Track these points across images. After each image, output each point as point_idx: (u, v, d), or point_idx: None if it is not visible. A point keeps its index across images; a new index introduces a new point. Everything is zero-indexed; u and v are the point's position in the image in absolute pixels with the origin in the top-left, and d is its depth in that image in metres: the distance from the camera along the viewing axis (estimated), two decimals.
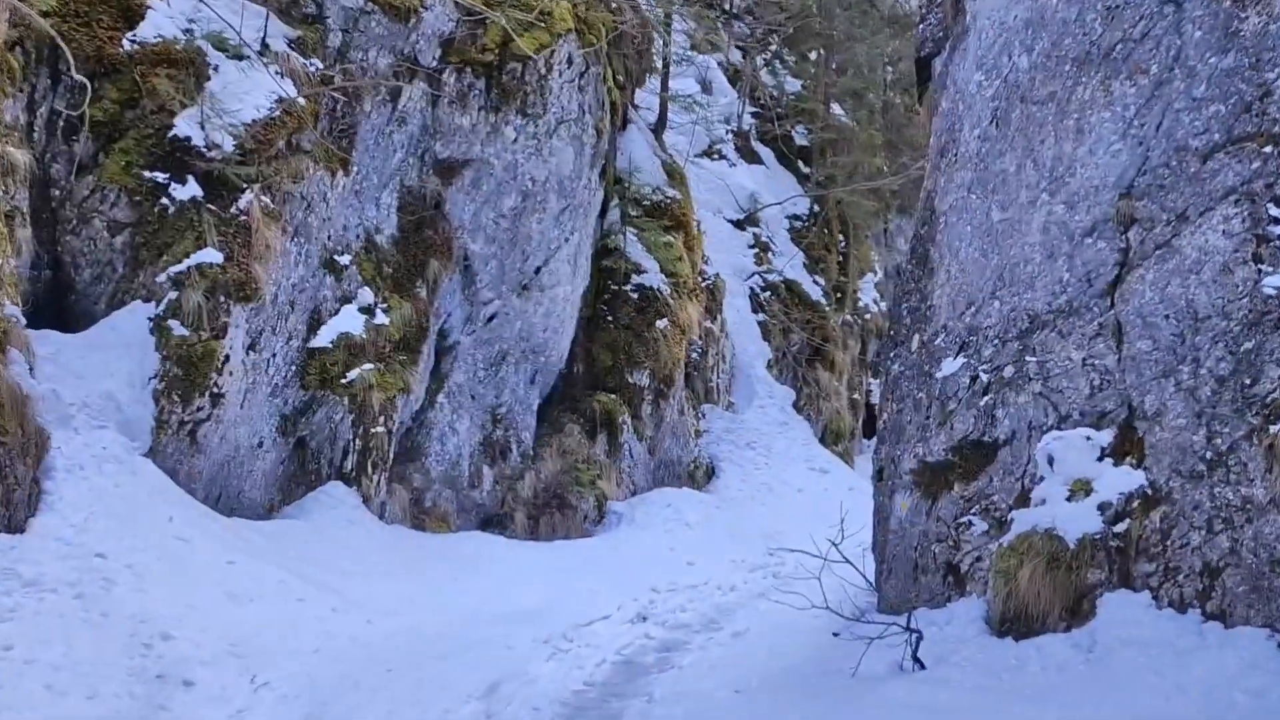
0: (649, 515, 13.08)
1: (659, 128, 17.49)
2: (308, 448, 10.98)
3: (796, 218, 20.31)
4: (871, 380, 32.67)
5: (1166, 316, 7.29)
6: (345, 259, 11.31)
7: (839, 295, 20.57)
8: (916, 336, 9.24)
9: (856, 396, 22.03)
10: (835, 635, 8.83)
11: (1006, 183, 8.61)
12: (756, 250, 19.19)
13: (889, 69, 22.16)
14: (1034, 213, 8.36)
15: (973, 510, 8.28)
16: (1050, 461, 7.82)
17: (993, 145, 8.82)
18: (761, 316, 18.53)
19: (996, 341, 8.39)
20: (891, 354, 9.58)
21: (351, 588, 9.06)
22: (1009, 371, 8.26)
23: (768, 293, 18.81)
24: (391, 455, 11.54)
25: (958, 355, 8.68)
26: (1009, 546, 7.69)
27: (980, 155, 8.93)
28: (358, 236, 11.54)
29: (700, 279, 16.00)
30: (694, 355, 16.32)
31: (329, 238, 11.17)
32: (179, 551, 8.23)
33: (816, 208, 20.72)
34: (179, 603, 7.58)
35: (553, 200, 12.96)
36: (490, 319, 12.93)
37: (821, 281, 19.85)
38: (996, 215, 8.66)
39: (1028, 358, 8.13)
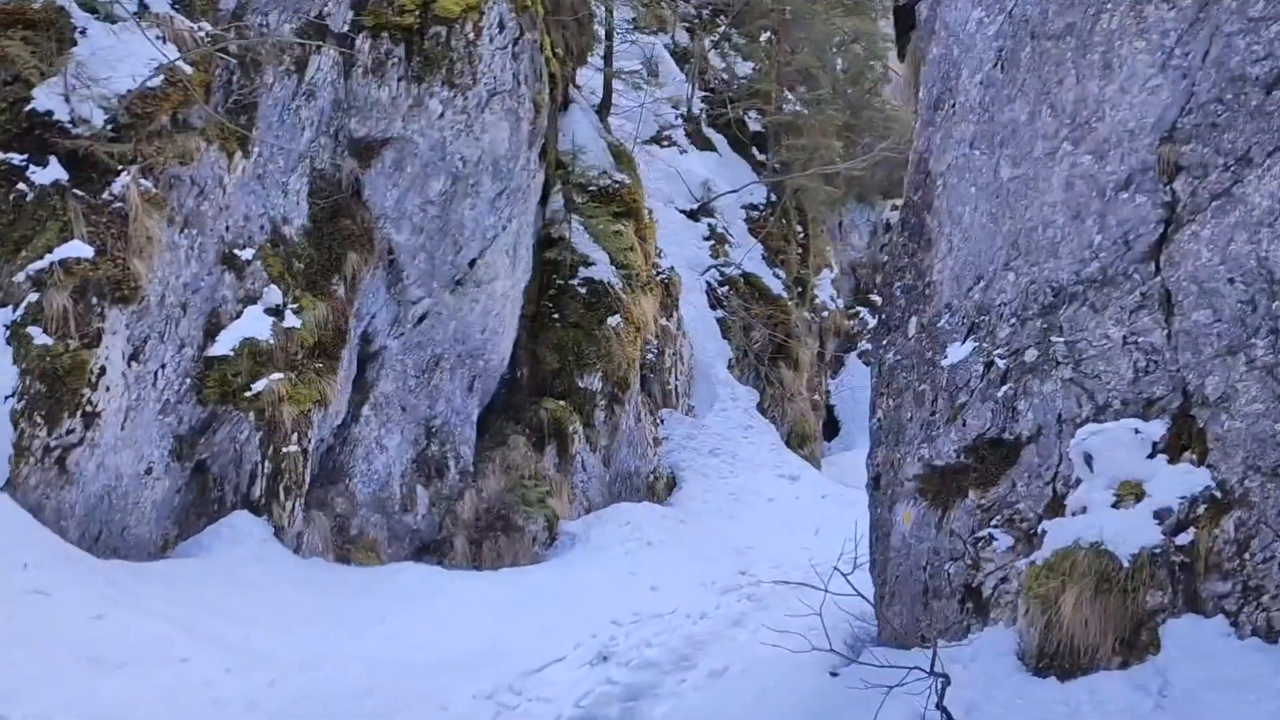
0: (606, 535, 11.66)
1: (603, 109, 16.12)
2: (208, 473, 9.44)
3: (753, 207, 19.02)
4: (830, 380, 31.42)
5: (1231, 280, 6.00)
6: (248, 253, 9.79)
7: (800, 289, 19.30)
8: (914, 320, 7.92)
9: (817, 397, 20.81)
10: (834, 675, 7.49)
11: (1018, 134, 7.32)
12: (712, 242, 17.86)
13: (844, 48, 20.95)
14: (1053, 166, 7.07)
15: (994, 522, 6.97)
16: (1089, 461, 6.51)
17: (999, 92, 7.52)
18: (720, 313, 17.20)
19: (1014, 320, 7.09)
20: (884, 342, 8.24)
21: (255, 639, 7.55)
22: (1031, 355, 6.96)
23: (726, 287, 17.49)
24: (308, 478, 10.02)
25: (966, 339, 7.38)
26: (1045, 565, 6.36)
27: (984, 104, 7.63)
28: (262, 228, 10.02)
29: (654, 272, 14.62)
30: (650, 356, 14.94)
31: (227, 229, 9.65)
32: (33, 608, 6.69)
33: (774, 196, 19.44)
34: (25, 674, 6.05)
35: (487, 183, 11.50)
36: (420, 319, 11.46)
37: (782, 274, 18.57)
38: (1007, 172, 7.36)
39: (1053, 338, 6.84)
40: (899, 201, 37.77)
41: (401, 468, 11.19)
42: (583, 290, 13.11)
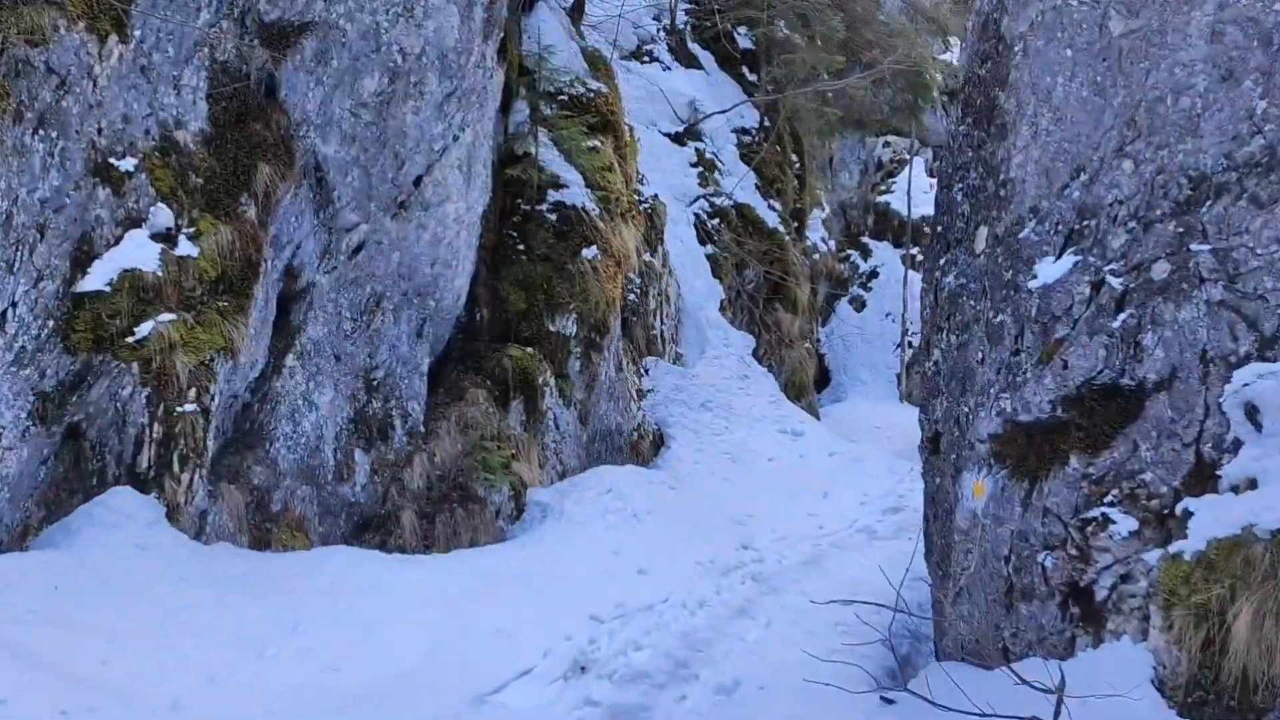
0: (583, 506, 9.80)
1: (575, 14, 14.06)
2: (84, 440, 7.51)
3: (744, 131, 17.02)
4: (820, 327, 29.45)
5: None
6: (128, 163, 7.78)
7: (796, 223, 17.36)
8: (984, 231, 6.03)
9: (809, 345, 19.00)
10: (887, 701, 5.69)
11: None
12: (700, 169, 15.88)
13: None
14: (1191, 11, 5.16)
15: (1108, 498, 5.15)
16: (1253, 415, 4.69)
17: None
18: (710, 248, 15.26)
19: (1132, 225, 5.23)
20: (941, 261, 6.36)
21: (116, 666, 5.67)
22: (1160, 271, 5.10)
23: (716, 220, 15.53)
24: (212, 443, 8.11)
25: (1063, 252, 5.51)
26: (1199, 563, 4.54)
27: None
28: (148, 132, 8.01)
29: (636, 199, 12.65)
30: (631, 296, 13.03)
31: (100, 132, 7.64)
32: None
33: (767, 121, 17.44)
34: None
35: (433, 81, 9.48)
36: (356, 250, 9.49)
37: (778, 206, 16.63)
38: (1119, 25, 5.45)
39: (1194, 246, 4.98)
40: (892, 138, 35.40)
41: (335, 429, 9.26)
42: (553, 217, 11.14)
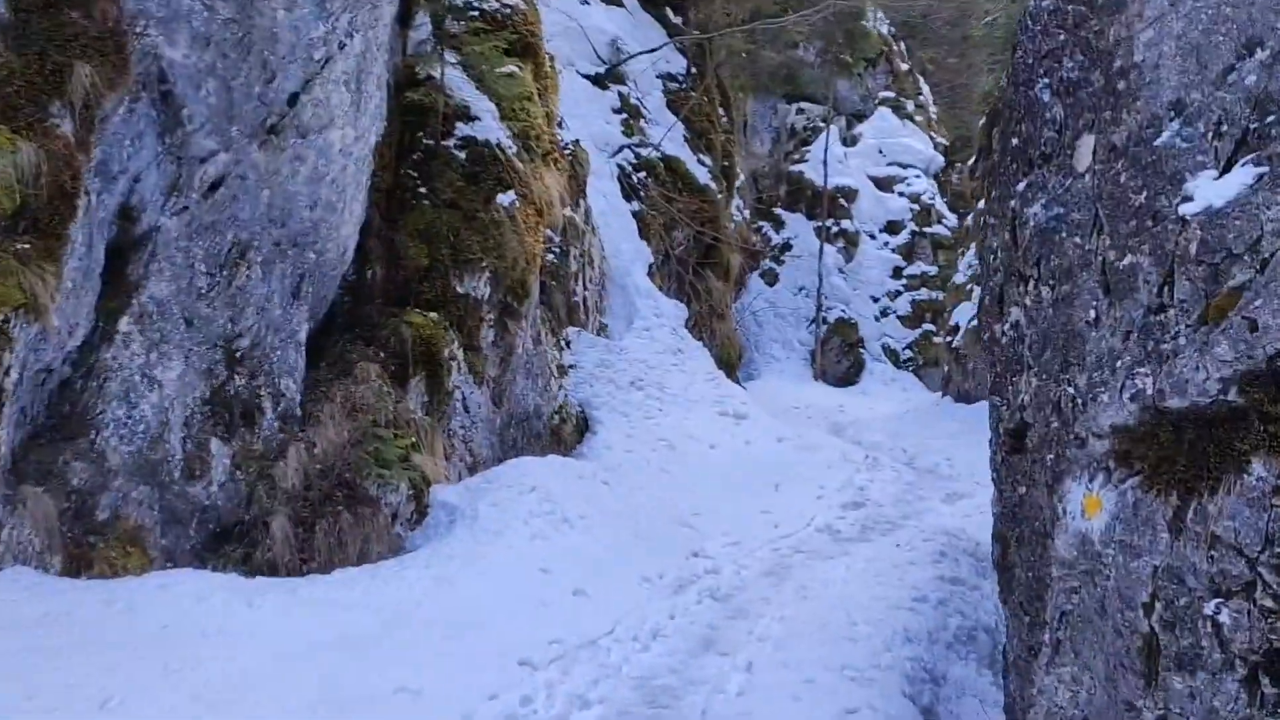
0: (502, 508, 7.92)
1: None
2: None
3: (671, 78, 15.22)
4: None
5: None
6: None
7: (727, 182, 15.63)
8: (1091, 140, 4.35)
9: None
10: None
11: None
12: (625, 117, 14.04)
13: None
14: None
15: None
16: None
17: None
18: (636, 205, 13.44)
19: None
20: (1020, 187, 4.65)
21: None
22: None
23: (642, 173, 13.72)
24: (11, 433, 6.05)
25: (1233, 163, 3.81)
26: None
27: None
28: None
29: (558, 141, 10.76)
30: (551, 257, 11.16)
31: None
32: None
33: (694, 69, 15.66)
34: None
35: None
36: (214, 186, 7.43)
37: (708, 161, 14.86)
38: None
39: None
40: (806, 104, 33.79)
41: (185, 412, 7.23)
42: (462, 155, 9.19)
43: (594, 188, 12.69)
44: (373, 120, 8.34)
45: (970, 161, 23.55)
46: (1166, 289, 3.84)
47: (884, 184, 32.59)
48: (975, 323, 20.13)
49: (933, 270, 31.54)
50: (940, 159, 33.86)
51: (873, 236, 32.15)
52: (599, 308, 12.05)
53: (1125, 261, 3.98)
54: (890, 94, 34.58)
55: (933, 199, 32.61)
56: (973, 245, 22.00)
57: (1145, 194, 3.97)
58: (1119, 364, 3.94)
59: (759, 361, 28.66)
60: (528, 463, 8.73)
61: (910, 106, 34.97)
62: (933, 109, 36.53)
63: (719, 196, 14.22)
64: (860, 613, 6.68)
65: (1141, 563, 3.80)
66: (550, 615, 6.52)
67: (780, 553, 9.03)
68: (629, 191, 13.29)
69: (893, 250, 31.85)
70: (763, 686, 5.74)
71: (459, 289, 8.90)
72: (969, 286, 21.01)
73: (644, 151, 13.64)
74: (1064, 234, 4.28)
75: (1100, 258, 4.10)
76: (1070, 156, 4.34)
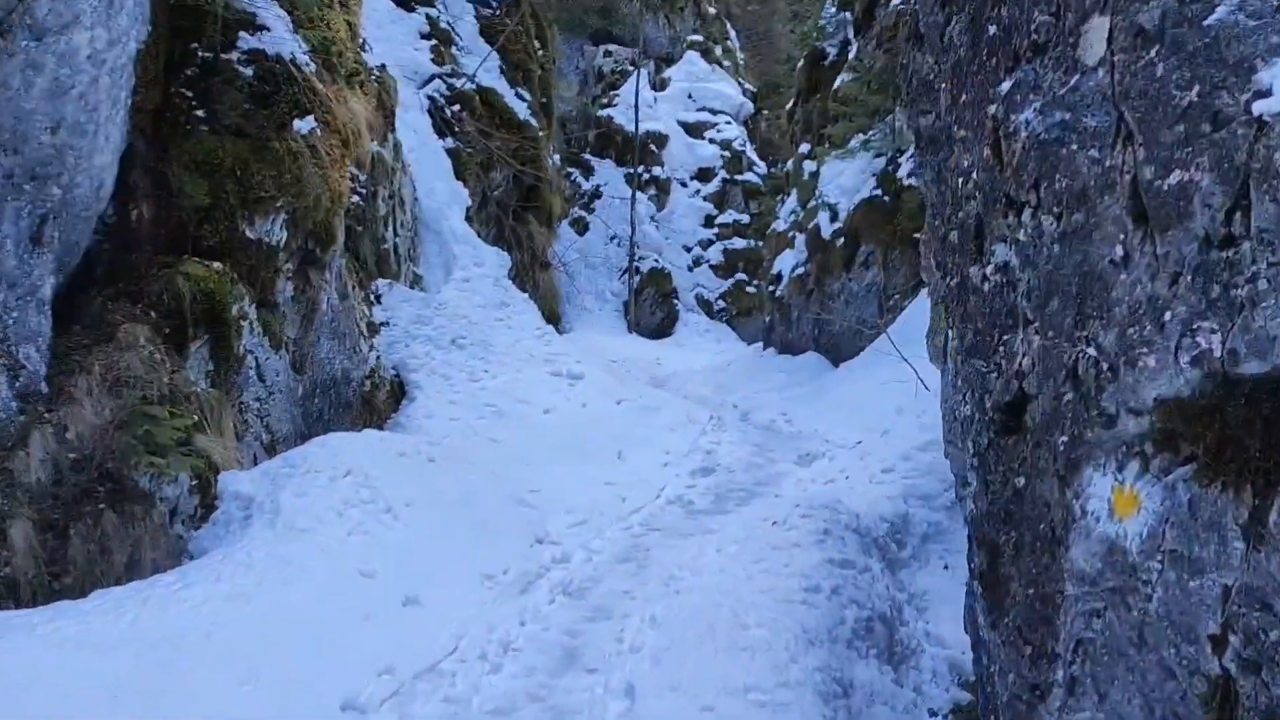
0: (310, 497, 6.53)
1: None
2: None
3: (484, 3, 13.76)
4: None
5: None
6: None
7: (547, 118, 14.36)
8: (1104, 23, 3.35)
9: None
10: None
11: None
12: (435, 43, 12.55)
13: None
14: None
15: None
16: None
17: None
18: (451, 142, 12.03)
19: None
20: (1003, 88, 3.62)
21: None
22: None
23: (456, 106, 12.29)
24: None
25: None
26: None
27: None
28: None
29: (364, 64, 9.25)
30: (357, 199, 9.69)
31: None
32: None
33: None
34: None
35: None
36: None
37: (527, 96, 13.53)
38: None
39: None
40: (614, 47, 32.60)
41: None
42: (248, 72, 7.61)
43: (403, 121, 11.21)
44: (131, 22, 6.69)
45: (789, 105, 22.89)
46: (1238, 215, 2.86)
47: (694, 130, 31.85)
48: (800, 270, 19.56)
49: (745, 218, 31.06)
50: (750, 105, 33.33)
51: (684, 184, 31.42)
52: (412, 256, 10.65)
53: (1172, 180, 2.99)
54: (699, 38, 33.79)
55: (743, 146, 32.07)
56: (794, 190, 21.41)
57: (1197, 90, 2.97)
58: (1168, 316, 2.96)
59: (571, 314, 27.56)
60: (339, 440, 7.34)
61: (719, 51, 34.27)
62: (740, 55, 35.95)
63: (540, 134, 12.93)
64: (749, 611, 5.67)
65: (1206, 581, 2.85)
66: (378, 634, 5.25)
67: (633, 532, 7.96)
68: (442, 126, 11.87)
69: (704, 198, 31.21)
70: (651, 719, 4.65)
71: (249, 233, 7.38)
72: (791, 234, 20.39)
73: (457, 83, 12.21)
74: (1073, 146, 3.27)
75: (1128, 176, 3.11)
76: (1074, 46, 3.33)
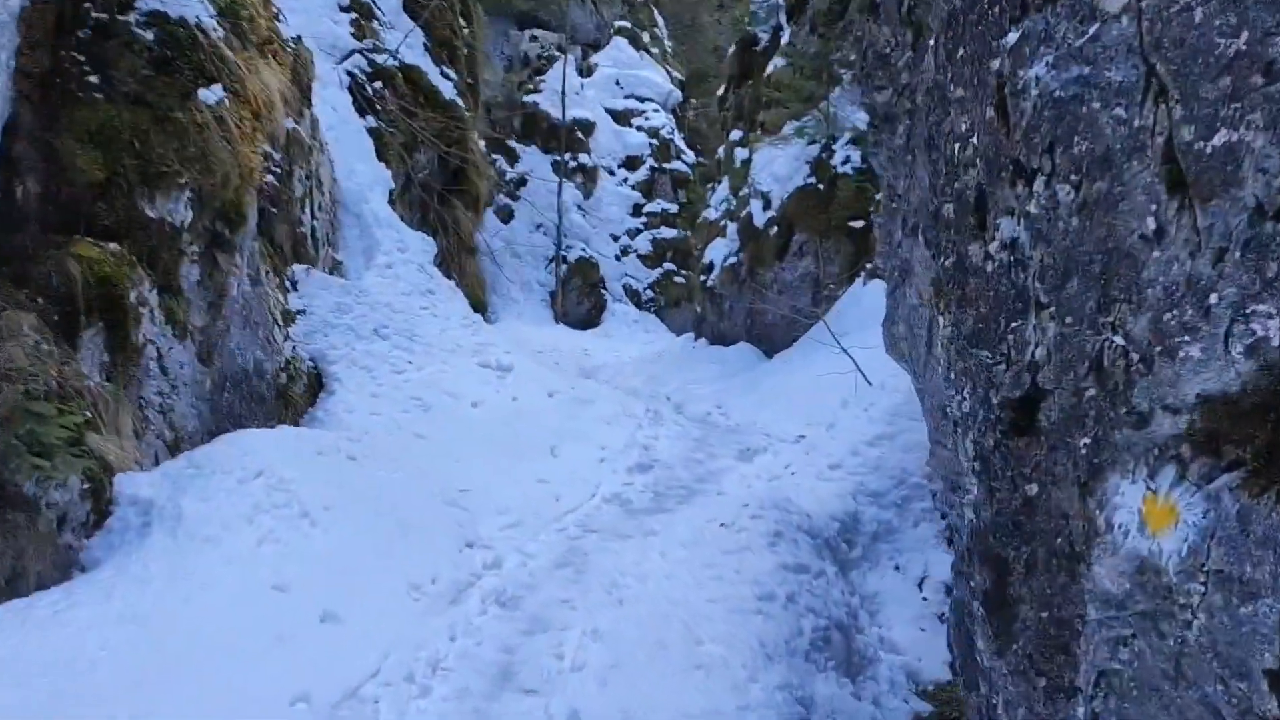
0: (217, 501, 5.94)
1: None
2: None
3: None
4: None
5: None
6: None
7: (474, 99, 13.79)
8: None
9: None
10: None
11: None
12: (355, 17, 11.90)
13: None
14: None
15: None
16: None
17: None
18: (372, 121, 11.41)
19: None
20: (1013, 37, 3.18)
21: None
22: None
23: (378, 83, 11.66)
24: None
25: None
26: None
27: None
28: None
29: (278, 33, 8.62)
30: (271, 178, 9.06)
31: None
32: None
33: None
34: None
35: None
36: None
37: (453, 76, 12.94)
38: None
39: None
40: (540, 31, 31.98)
41: None
42: (148, 35, 6.95)
43: (321, 98, 10.57)
44: None
45: (720, 91, 22.49)
46: None
47: (622, 118, 31.34)
48: (732, 260, 19.17)
49: (673, 207, 30.64)
50: (678, 93, 32.90)
51: (612, 172, 30.90)
52: (331, 241, 10.03)
53: (1216, 141, 2.59)
54: (626, 24, 33.27)
55: (671, 134, 31.63)
56: (726, 178, 21.01)
57: (1245, 37, 2.57)
58: (1214, 299, 2.56)
59: (497, 304, 26.90)
60: (251, 437, 6.75)
61: (646, 38, 33.79)
62: (667, 43, 35.50)
63: (467, 114, 12.35)
64: (701, 624, 5.24)
65: (1261, 607, 2.46)
66: (292, 656, 4.71)
67: (569, 534, 7.48)
68: (363, 105, 11.24)
69: (632, 187, 30.73)
70: None
71: (149, 212, 6.74)
72: (723, 222, 20.00)
73: (379, 59, 11.58)
74: (1094, 105, 2.86)
75: (1161, 137, 2.71)
76: None
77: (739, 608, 5.50)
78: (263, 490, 6.06)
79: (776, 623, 5.45)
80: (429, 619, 5.58)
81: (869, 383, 10.77)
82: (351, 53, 11.38)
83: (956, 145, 3.20)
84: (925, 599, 7.38)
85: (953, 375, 3.33)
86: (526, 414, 9.43)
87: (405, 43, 12.00)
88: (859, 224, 16.07)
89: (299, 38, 9.84)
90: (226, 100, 7.16)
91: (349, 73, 11.33)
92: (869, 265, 15.93)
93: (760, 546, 6.19)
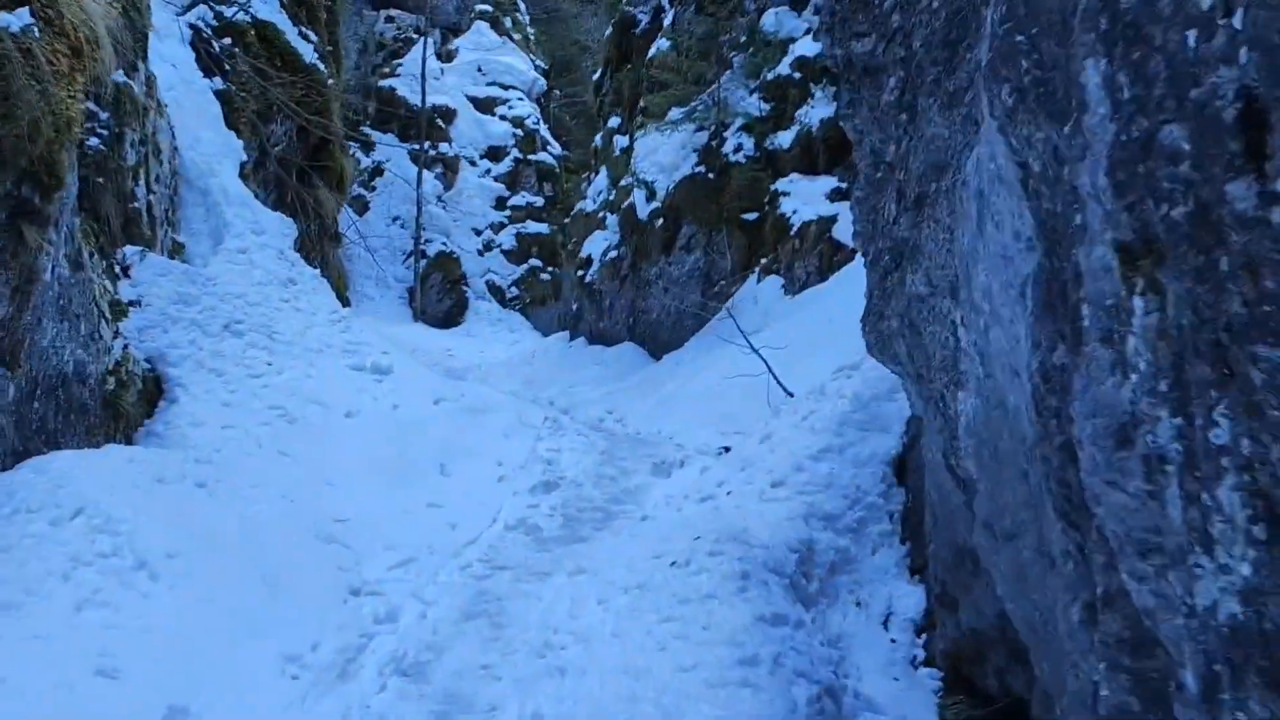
0: (19, 552, 4.41)
1: None
2: None
3: None
4: None
5: None
6: None
7: (336, 66, 12.25)
8: None
9: None
10: None
11: None
12: None
13: None
14: None
15: None
16: None
17: None
18: (220, 83, 9.81)
19: None
20: None
21: None
22: None
23: (227, 40, 10.06)
24: None
25: None
26: None
27: None
28: None
29: None
30: (97, 141, 7.46)
31: None
32: None
33: None
34: None
35: None
36: None
37: (314, 38, 11.39)
38: None
39: None
40: (396, 12, 30.20)
41: None
42: None
43: (159, 53, 8.94)
44: None
45: (595, 76, 21.27)
46: None
47: (485, 106, 29.75)
48: (613, 254, 17.95)
49: (539, 201, 29.25)
50: (543, 82, 31.50)
51: (474, 163, 29.29)
52: (171, 220, 8.43)
53: None
54: (488, 7, 31.72)
55: (537, 124, 30.21)
56: (604, 168, 19.80)
57: None
58: None
59: (352, 301, 25.16)
60: (68, 462, 5.20)
61: (509, 24, 32.29)
62: (530, 30, 34.06)
63: (330, 81, 10.83)
64: (682, 706, 4.00)
65: None
66: None
67: (474, 572, 6.16)
68: (209, 64, 9.63)
69: (495, 179, 29.19)
70: None
71: None
72: (601, 214, 18.78)
73: (228, 11, 9.97)
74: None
75: None
76: None
77: (720, 678, 4.29)
78: (84, 534, 4.56)
79: (767, 697, 4.27)
80: (313, 704, 4.20)
81: (788, 393, 9.73)
82: (196, 2, 9.74)
83: (1198, 35, 2.07)
84: (894, 640, 6.32)
85: (1166, 387, 2.20)
86: (410, 425, 8.03)
87: None
88: (753, 216, 15.05)
89: None
90: (35, 29, 5.58)
91: (192, 25, 9.70)
92: (763, 260, 14.99)
93: (728, 594, 4.99)
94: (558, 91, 32.91)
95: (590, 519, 7.41)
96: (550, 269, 28.22)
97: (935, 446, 5.09)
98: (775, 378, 10.18)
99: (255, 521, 5.60)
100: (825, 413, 7.76)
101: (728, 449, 8.58)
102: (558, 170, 29.98)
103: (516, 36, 32.21)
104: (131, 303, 7.66)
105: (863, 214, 5.58)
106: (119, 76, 7.81)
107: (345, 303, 11.91)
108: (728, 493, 7.30)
